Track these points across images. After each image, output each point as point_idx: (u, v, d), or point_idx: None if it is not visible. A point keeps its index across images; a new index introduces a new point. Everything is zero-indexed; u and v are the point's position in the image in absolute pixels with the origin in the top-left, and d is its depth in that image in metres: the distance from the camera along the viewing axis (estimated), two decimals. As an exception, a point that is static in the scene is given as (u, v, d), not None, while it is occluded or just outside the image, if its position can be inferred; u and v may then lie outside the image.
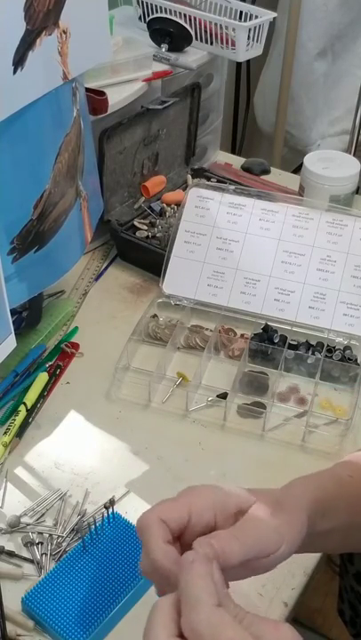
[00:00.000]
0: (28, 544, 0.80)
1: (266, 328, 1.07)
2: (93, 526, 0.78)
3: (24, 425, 0.93)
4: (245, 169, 1.48)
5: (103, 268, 1.22)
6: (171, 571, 0.51)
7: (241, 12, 1.30)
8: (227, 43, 1.28)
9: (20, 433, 0.92)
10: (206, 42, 1.28)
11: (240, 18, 1.30)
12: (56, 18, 0.82)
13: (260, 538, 0.52)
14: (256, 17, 1.28)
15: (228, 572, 0.50)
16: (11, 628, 0.72)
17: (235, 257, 1.11)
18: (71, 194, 0.96)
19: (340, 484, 0.63)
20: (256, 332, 1.06)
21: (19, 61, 0.77)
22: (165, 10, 1.28)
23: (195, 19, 1.26)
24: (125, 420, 0.96)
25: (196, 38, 1.28)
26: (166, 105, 1.21)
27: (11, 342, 0.86)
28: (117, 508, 0.82)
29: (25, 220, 0.88)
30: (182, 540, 0.54)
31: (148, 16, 1.28)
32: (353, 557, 1.03)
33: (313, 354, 1.03)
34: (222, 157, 1.52)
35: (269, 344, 1.04)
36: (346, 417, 0.96)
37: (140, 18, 1.32)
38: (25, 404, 0.94)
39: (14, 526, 0.81)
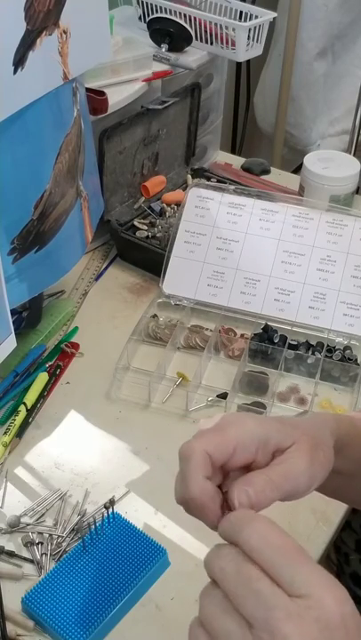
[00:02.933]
0: (28, 544, 0.80)
1: (266, 328, 1.07)
2: (93, 526, 0.78)
3: (24, 425, 0.93)
4: (245, 169, 1.48)
5: (103, 268, 1.22)
6: (206, 506, 0.50)
7: (241, 12, 1.30)
8: (227, 43, 1.28)
9: (19, 433, 0.92)
10: (206, 42, 1.28)
11: (240, 18, 1.30)
12: (56, 18, 0.82)
13: (295, 483, 0.52)
14: (256, 17, 1.28)
15: None
16: (11, 628, 0.72)
17: (235, 257, 1.11)
18: (71, 194, 0.96)
19: (357, 429, 0.62)
20: (256, 332, 1.06)
21: (19, 61, 0.77)
22: (165, 10, 1.28)
23: (195, 19, 1.26)
24: (125, 420, 0.96)
25: (196, 38, 1.28)
26: (166, 105, 1.21)
27: (11, 342, 0.86)
28: (117, 508, 0.82)
29: (25, 221, 0.88)
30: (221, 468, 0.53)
31: (148, 16, 1.28)
32: (349, 558, 1.03)
33: (313, 354, 1.03)
34: (222, 157, 1.52)
35: (269, 344, 1.04)
36: (346, 417, 0.96)
37: (140, 18, 1.32)
38: (25, 404, 0.94)
39: (14, 526, 0.81)
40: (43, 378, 0.99)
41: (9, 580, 0.77)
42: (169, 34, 1.26)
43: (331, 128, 2.03)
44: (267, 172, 1.49)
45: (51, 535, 0.81)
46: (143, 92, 1.18)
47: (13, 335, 0.85)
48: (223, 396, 0.97)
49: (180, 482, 0.51)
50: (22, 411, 0.94)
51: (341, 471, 0.59)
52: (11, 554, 0.79)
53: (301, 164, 1.25)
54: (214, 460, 0.51)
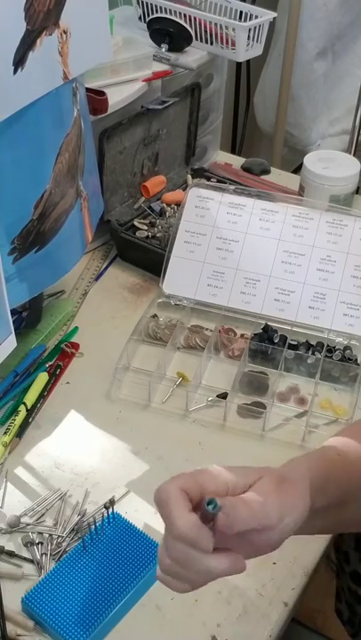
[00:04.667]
0: (28, 544, 0.80)
1: (266, 328, 1.07)
2: (93, 526, 0.78)
3: (24, 425, 0.93)
4: (245, 169, 1.48)
5: (103, 267, 1.22)
6: (199, 537, 0.52)
7: (241, 12, 1.30)
8: (227, 43, 1.28)
9: (20, 433, 0.92)
10: (206, 42, 1.28)
11: (240, 18, 1.30)
12: (56, 18, 0.82)
13: (264, 506, 0.53)
14: (256, 17, 1.28)
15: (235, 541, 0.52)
16: (11, 628, 0.72)
17: (235, 257, 1.11)
18: (71, 194, 0.96)
19: (330, 462, 0.64)
20: (256, 332, 1.06)
21: (19, 61, 0.77)
22: (165, 10, 1.27)
23: (195, 19, 1.26)
24: (125, 420, 0.96)
25: (196, 38, 1.28)
26: (166, 105, 1.21)
27: (12, 342, 0.86)
28: (117, 508, 0.82)
29: (25, 221, 0.88)
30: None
31: (148, 16, 1.28)
32: (349, 557, 1.03)
33: (313, 354, 1.03)
34: (222, 157, 1.52)
35: (269, 344, 1.04)
36: (346, 417, 0.96)
37: (140, 18, 1.32)
38: (25, 404, 0.94)
39: (14, 526, 0.81)
40: (43, 378, 0.99)
41: (9, 580, 0.77)
42: (169, 34, 1.26)
43: (331, 128, 2.03)
44: (267, 172, 1.49)
45: (51, 535, 0.81)
46: (143, 92, 1.18)
47: (13, 335, 0.85)
48: (223, 395, 0.97)
49: (166, 531, 0.53)
50: (22, 411, 0.94)
51: (330, 505, 0.61)
52: (11, 554, 0.79)
53: (301, 164, 1.25)
54: (190, 497, 0.54)
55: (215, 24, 1.26)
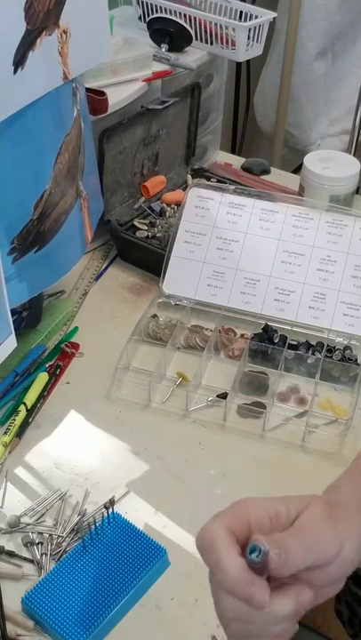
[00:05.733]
0: (28, 544, 0.80)
1: (266, 328, 1.07)
2: (93, 526, 0.78)
3: (24, 425, 0.93)
4: (245, 169, 1.48)
5: (103, 268, 1.22)
6: (257, 583, 0.45)
7: (241, 12, 1.30)
8: (227, 43, 1.28)
9: (20, 433, 0.92)
10: (206, 42, 1.28)
11: (240, 18, 1.30)
12: (56, 18, 0.82)
13: (317, 537, 0.47)
14: (256, 17, 1.28)
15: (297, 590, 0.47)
16: (11, 628, 0.72)
17: (235, 257, 1.11)
18: (71, 194, 0.96)
19: None
20: (256, 332, 1.06)
21: (19, 61, 0.77)
22: (165, 10, 1.27)
23: (195, 19, 1.26)
24: (125, 419, 0.96)
25: (196, 38, 1.28)
26: (166, 105, 1.21)
27: (12, 342, 0.86)
28: (117, 508, 0.82)
29: (25, 220, 0.88)
30: None
31: (148, 16, 1.28)
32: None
33: (313, 354, 1.03)
34: (222, 157, 1.52)
35: (269, 344, 1.04)
36: (346, 417, 0.96)
37: (140, 18, 1.32)
38: (25, 404, 0.94)
39: (14, 526, 0.81)
40: (43, 378, 0.99)
41: (9, 580, 0.77)
42: (169, 34, 1.26)
43: (331, 128, 2.03)
44: (267, 172, 1.49)
45: (51, 535, 0.81)
46: (143, 92, 1.18)
47: (13, 335, 0.85)
48: (223, 395, 0.97)
49: (214, 582, 0.47)
50: (22, 411, 0.94)
51: None
52: (11, 554, 0.79)
53: (301, 164, 1.25)
54: (236, 536, 0.47)
55: (215, 24, 1.26)
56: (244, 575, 0.45)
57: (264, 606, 0.45)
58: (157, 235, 1.20)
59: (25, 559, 0.79)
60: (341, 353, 1.03)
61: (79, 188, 0.99)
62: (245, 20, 1.29)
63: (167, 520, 0.83)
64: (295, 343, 1.05)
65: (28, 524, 0.82)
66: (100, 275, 1.21)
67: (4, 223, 0.85)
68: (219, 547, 0.46)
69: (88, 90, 1.02)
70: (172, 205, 1.25)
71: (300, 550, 0.46)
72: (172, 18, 1.26)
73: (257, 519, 0.48)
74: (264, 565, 0.46)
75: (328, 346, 1.04)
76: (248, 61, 1.99)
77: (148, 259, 1.18)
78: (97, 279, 1.20)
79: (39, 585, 0.74)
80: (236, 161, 1.51)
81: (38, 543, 0.80)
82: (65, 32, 0.84)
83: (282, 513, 0.49)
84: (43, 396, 0.97)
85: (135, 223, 1.22)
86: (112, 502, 0.84)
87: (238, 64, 2.00)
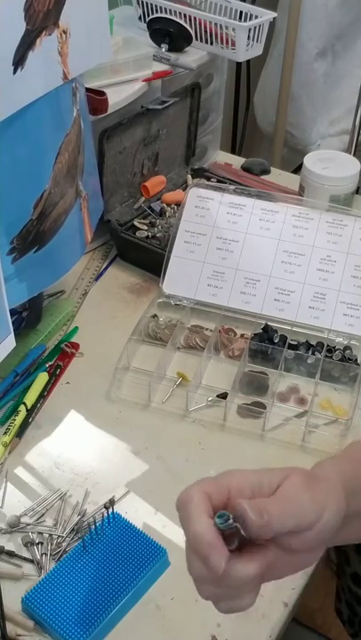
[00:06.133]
0: (28, 544, 0.80)
1: (266, 328, 1.07)
2: (93, 526, 0.78)
3: (24, 425, 0.93)
4: (245, 169, 1.48)
5: (103, 268, 1.22)
6: (215, 545, 0.48)
7: (241, 12, 1.30)
8: (227, 43, 1.28)
9: (20, 433, 0.92)
10: (206, 42, 1.28)
11: (240, 18, 1.30)
12: (56, 18, 0.82)
13: (297, 503, 0.50)
14: (256, 17, 1.28)
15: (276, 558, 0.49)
16: (11, 628, 0.72)
17: (235, 257, 1.11)
18: (71, 194, 0.96)
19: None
20: (256, 332, 1.06)
21: (19, 61, 0.77)
22: (165, 10, 1.27)
23: (195, 19, 1.26)
24: (125, 419, 0.96)
25: (196, 38, 1.28)
26: (166, 105, 1.21)
27: (11, 342, 0.85)
28: (117, 508, 0.82)
29: (25, 220, 0.88)
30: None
31: (148, 16, 1.28)
32: (349, 558, 1.03)
33: (313, 354, 1.03)
34: (222, 157, 1.52)
35: (269, 344, 1.04)
36: (346, 417, 0.96)
37: (140, 18, 1.32)
38: (25, 403, 0.94)
39: (14, 526, 0.81)
40: (43, 378, 0.99)
41: (9, 579, 0.77)
42: (169, 34, 1.26)
43: (331, 128, 2.03)
44: (267, 172, 1.49)
45: (51, 535, 0.81)
46: (143, 92, 1.18)
47: (13, 335, 0.85)
48: (223, 395, 0.97)
49: (186, 532, 0.50)
50: (22, 411, 0.94)
51: None
52: (11, 554, 0.79)
53: (301, 164, 1.25)
54: (213, 502, 0.50)
55: (215, 24, 1.26)
56: (207, 536, 0.48)
57: (217, 568, 0.48)
58: (157, 235, 1.20)
59: (25, 559, 0.79)
60: (341, 353, 1.03)
61: (79, 188, 0.99)
62: (245, 20, 1.29)
63: (167, 520, 0.83)
64: (295, 343, 1.05)
65: (28, 524, 0.82)
66: (100, 275, 1.21)
67: (4, 223, 0.85)
68: (191, 508, 0.50)
69: (88, 90, 1.02)
70: (172, 205, 1.25)
71: (281, 514, 0.49)
72: (172, 18, 1.26)
73: (238, 487, 0.51)
74: (232, 534, 0.48)
75: (328, 346, 1.04)
76: (248, 61, 1.99)
77: (148, 259, 1.18)
78: (97, 279, 1.20)
79: (39, 585, 0.74)
80: (236, 161, 1.51)
81: (38, 543, 0.80)
82: (65, 32, 0.84)
83: (264, 483, 0.52)
84: (43, 396, 0.97)
85: (135, 223, 1.22)
86: (112, 502, 0.84)
87: (238, 64, 2.00)
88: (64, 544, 0.80)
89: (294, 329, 1.07)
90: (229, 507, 0.50)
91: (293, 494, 0.50)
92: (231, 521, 0.48)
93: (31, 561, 0.79)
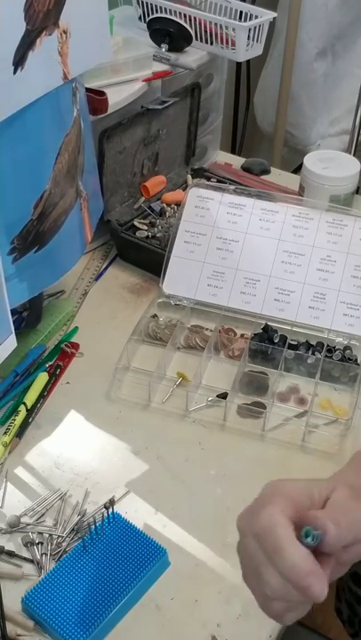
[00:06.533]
0: (28, 544, 0.80)
1: (266, 328, 1.07)
2: (93, 526, 0.78)
3: (24, 425, 0.93)
4: (245, 169, 1.48)
5: (103, 268, 1.22)
6: (316, 573, 0.45)
7: (241, 12, 1.30)
8: (227, 43, 1.28)
9: (20, 433, 0.92)
10: (206, 42, 1.28)
11: (240, 18, 1.30)
12: (56, 18, 0.82)
13: (356, 517, 0.49)
14: (256, 17, 1.28)
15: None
16: (11, 628, 0.72)
17: (235, 257, 1.11)
18: (71, 194, 0.96)
19: None
20: (256, 332, 1.06)
21: (19, 61, 0.77)
22: (165, 10, 1.28)
23: (195, 19, 1.26)
24: (125, 419, 0.96)
25: (196, 38, 1.28)
26: (166, 105, 1.21)
27: (12, 342, 0.86)
28: (117, 508, 0.82)
29: (25, 220, 0.88)
30: None
31: (148, 16, 1.28)
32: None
33: (313, 354, 1.03)
34: (222, 157, 1.52)
35: (269, 344, 1.04)
36: (346, 417, 0.96)
37: (140, 18, 1.32)
38: (25, 403, 0.94)
39: (14, 526, 0.81)
40: (43, 378, 0.99)
41: (9, 579, 0.77)
42: (169, 34, 1.26)
43: (331, 128, 2.03)
44: (267, 172, 1.49)
45: (51, 535, 0.81)
46: (143, 92, 1.18)
47: (14, 335, 0.85)
48: (223, 395, 0.97)
49: (270, 566, 0.47)
50: (22, 411, 0.94)
51: None
52: (11, 554, 0.79)
53: (301, 164, 1.25)
54: (296, 522, 0.48)
55: (215, 24, 1.26)
56: (307, 566, 0.46)
57: (321, 596, 0.46)
58: (157, 235, 1.20)
59: (25, 559, 0.79)
60: (341, 353, 1.03)
61: (79, 188, 0.99)
62: (245, 20, 1.29)
63: (167, 520, 0.83)
64: (295, 343, 1.05)
65: (28, 524, 0.82)
66: (100, 275, 1.21)
67: (4, 223, 0.85)
68: (279, 533, 0.47)
69: (88, 90, 1.02)
70: (172, 205, 1.25)
71: (347, 526, 0.48)
72: (172, 18, 1.26)
73: (299, 501, 0.49)
74: (314, 549, 0.47)
75: (328, 346, 1.04)
76: (248, 61, 1.99)
77: (148, 259, 1.18)
78: (97, 279, 1.20)
79: (39, 585, 0.74)
80: (236, 161, 1.51)
81: (38, 543, 0.80)
82: (65, 32, 0.84)
83: (315, 495, 0.50)
84: (43, 396, 0.97)
85: (135, 223, 1.22)
86: (112, 502, 0.84)
87: (238, 64, 2.00)
88: (64, 544, 0.80)
89: (294, 329, 1.07)
90: (297, 519, 0.49)
91: (350, 508, 0.49)
92: (317, 539, 0.46)
93: (31, 561, 0.79)
